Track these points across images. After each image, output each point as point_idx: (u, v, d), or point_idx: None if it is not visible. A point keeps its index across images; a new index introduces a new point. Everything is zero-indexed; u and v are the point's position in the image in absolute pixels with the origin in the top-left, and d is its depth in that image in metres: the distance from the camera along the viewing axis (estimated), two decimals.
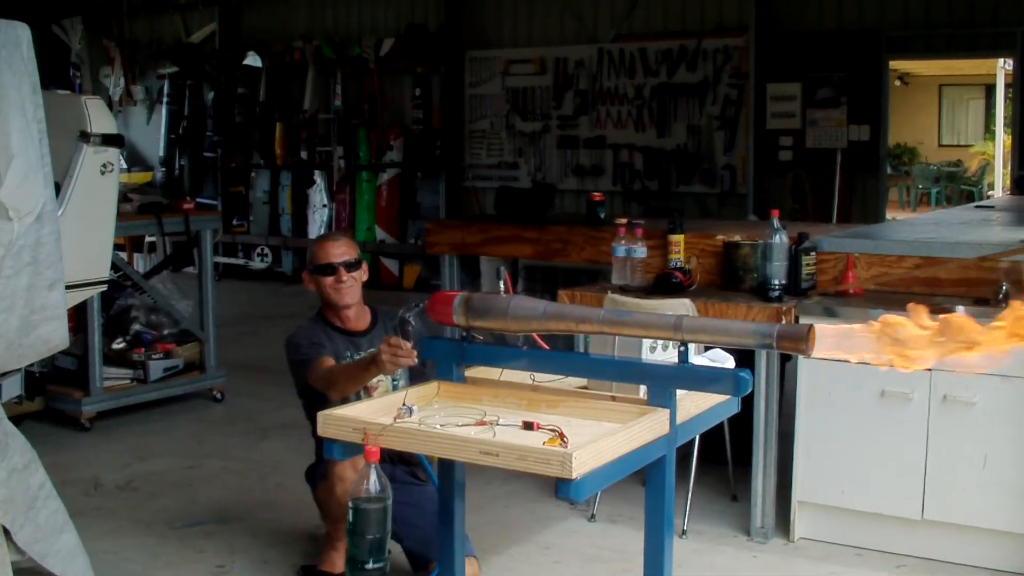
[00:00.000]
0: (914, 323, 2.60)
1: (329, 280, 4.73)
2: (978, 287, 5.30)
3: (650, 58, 12.35)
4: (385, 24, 14.16)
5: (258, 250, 14.83)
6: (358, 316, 4.84)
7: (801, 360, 5.14)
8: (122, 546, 5.28)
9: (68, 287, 4.19)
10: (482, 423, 3.13)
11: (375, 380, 4.37)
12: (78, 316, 7.02)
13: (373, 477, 2.94)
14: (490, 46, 13.46)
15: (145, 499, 6.00)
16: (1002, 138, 20.35)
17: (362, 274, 4.83)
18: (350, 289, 4.75)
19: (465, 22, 13.61)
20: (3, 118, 3.72)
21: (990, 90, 22.73)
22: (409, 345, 3.78)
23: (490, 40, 13.49)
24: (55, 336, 4.08)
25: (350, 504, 2.94)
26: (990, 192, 21.10)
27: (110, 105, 14.92)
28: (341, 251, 4.76)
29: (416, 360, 3.82)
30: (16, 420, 4.46)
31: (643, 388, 3.27)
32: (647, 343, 3.33)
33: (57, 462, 6.03)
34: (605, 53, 12.63)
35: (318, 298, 4.86)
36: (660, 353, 3.37)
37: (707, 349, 3.58)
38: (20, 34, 3.87)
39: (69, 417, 7.30)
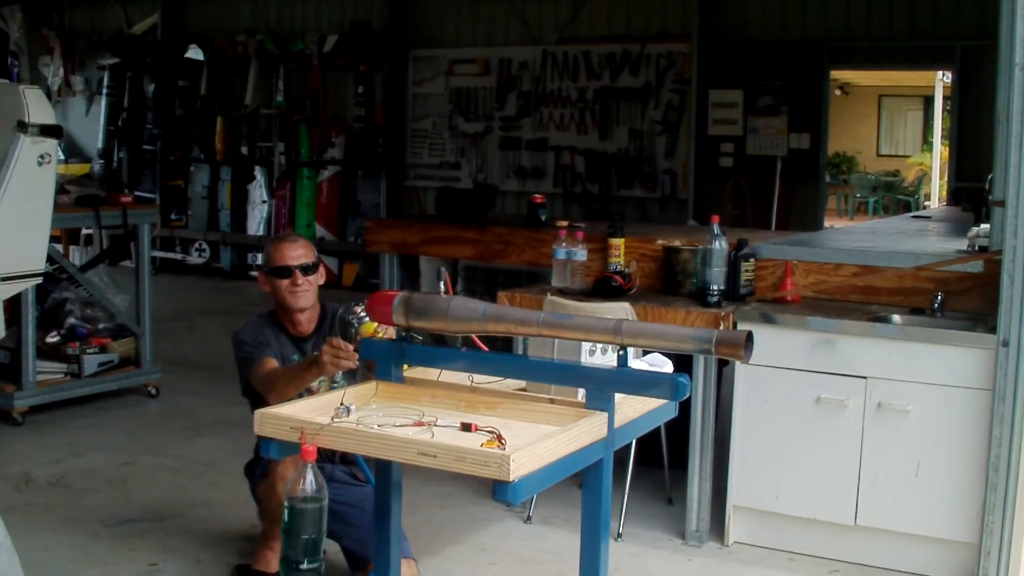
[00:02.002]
0: None
1: (284, 283, 4.64)
2: (914, 296, 5.35)
3: (594, 61, 12.39)
4: (329, 20, 14.11)
5: (196, 245, 14.71)
6: (310, 319, 4.77)
7: (738, 366, 5.17)
8: (53, 543, 5.22)
9: (2, 279, 4.14)
10: (420, 424, 3.11)
11: (316, 383, 4.33)
12: (12, 309, 6.93)
13: (309, 477, 2.91)
14: (434, 45, 13.46)
15: (77, 496, 5.93)
16: (939, 149, 20.60)
17: (319, 277, 4.75)
18: (305, 293, 4.67)
19: (410, 21, 13.59)
20: None
21: (928, 102, 23.01)
22: (351, 348, 3.76)
23: (434, 39, 13.48)
24: None
25: (285, 504, 2.92)
26: (927, 203, 21.34)
27: (48, 95, 14.74)
28: (298, 253, 4.67)
29: (357, 363, 3.79)
30: None
31: (581, 391, 3.28)
32: (586, 346, 3.33)
33: None
34: (549, 55, 12.66)
35: (260, 296, 4.78)
36: (599, 357, 3.37)
37: (646, 353, 3.59)
38: None
39: (0, 411, 7.21)
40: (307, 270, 4.67)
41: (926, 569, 4.99)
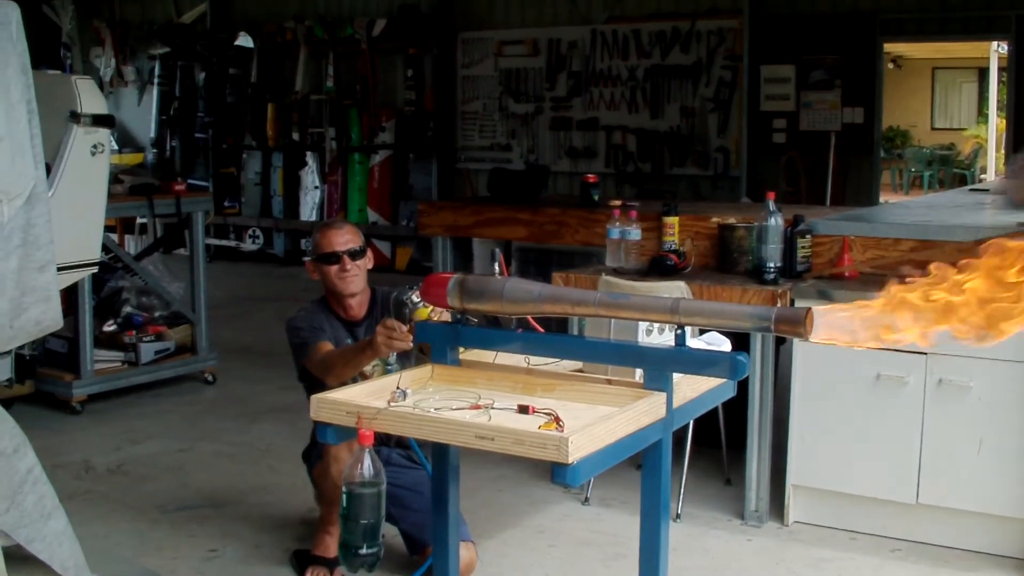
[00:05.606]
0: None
1: (333, 269, 4.64)
2: None
3: (644, 39, 12.32)
4: (377, 5, 14.09)
5: (250, 232, 14.79)
6: (361, 304, 4.76)
7: (796, 344, 5.12)
8: (113, 530, 5.26)
9: (59, 269, 4.15)
10: (477, 407, 3.09)
11: (370, 367, 4.32)
12: (69, 298, 6.98)
13: (367, 461, 2.90)
14: (483, 27, 13.42)
15: (136, 483, 5.98)
16: (995, 121, 20.35)
17: (367, 262, 4.74)
18: (355, 278, 4.67)
19: (458, 3, 13.57)
20: None
21: (983, 73, 22.73)
22: (406, 328, 3.75)
23: (483, 21, 13.45)
24: (47, 317, 4.04)
25: (343, 489, 2.90)
26: (983, 176, 21.11)
27: (101, 86, 14.84)
28: (345, 239, 4.67)
29: (412, 344, 3.78)
30: (6, 403, 4.41)
31: (639, 371, 3.24)
32: (643, 326, 3.29)
33: (47, 446, 6.00)
34: (598, 34, 12.59)
35: (314, 282, 4.80)
36: (656, 336, 3.34)
37: (703, 332, 3.55)
38: (9, 13, 3.81)
39: (60, 400, 7.27)
40: (355, 255, 4.67)
41: (989, 547, 4.93)
